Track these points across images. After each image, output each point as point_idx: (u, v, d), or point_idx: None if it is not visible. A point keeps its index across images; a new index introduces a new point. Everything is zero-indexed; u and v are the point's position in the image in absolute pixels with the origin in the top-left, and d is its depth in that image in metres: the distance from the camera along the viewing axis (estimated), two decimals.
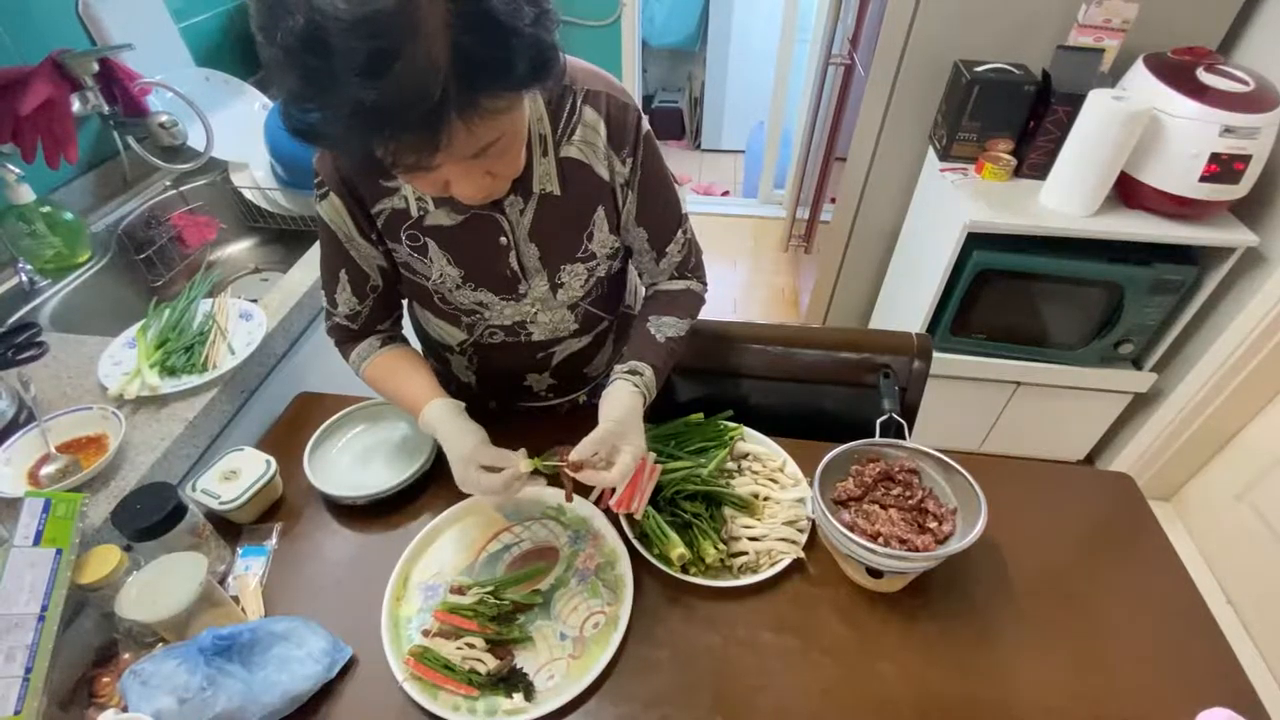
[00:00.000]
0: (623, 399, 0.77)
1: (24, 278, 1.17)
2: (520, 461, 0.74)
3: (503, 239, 0.78)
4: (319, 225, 0.80)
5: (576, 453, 0.72)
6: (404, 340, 0.93)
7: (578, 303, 0.88)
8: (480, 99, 0.52)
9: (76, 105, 1.21)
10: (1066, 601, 0.78)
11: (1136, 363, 1.74)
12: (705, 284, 0.95)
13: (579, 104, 0.74)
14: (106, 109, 1.26)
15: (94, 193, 1.37)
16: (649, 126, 0.79)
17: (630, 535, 0.82)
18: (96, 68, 1.22)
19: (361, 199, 0.76)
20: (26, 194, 1.15)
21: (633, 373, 0.80)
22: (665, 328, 0.87)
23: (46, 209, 1.18)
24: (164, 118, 1.28)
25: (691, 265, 0.92)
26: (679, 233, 0.88)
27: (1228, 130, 1.30)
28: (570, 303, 0.87)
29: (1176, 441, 1.75)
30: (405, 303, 0.95)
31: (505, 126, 0.58)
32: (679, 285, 0.92)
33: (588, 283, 0.86)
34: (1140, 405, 1.84)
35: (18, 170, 1.13)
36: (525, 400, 1.02)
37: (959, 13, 1.56)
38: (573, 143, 0.75)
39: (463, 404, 0.82)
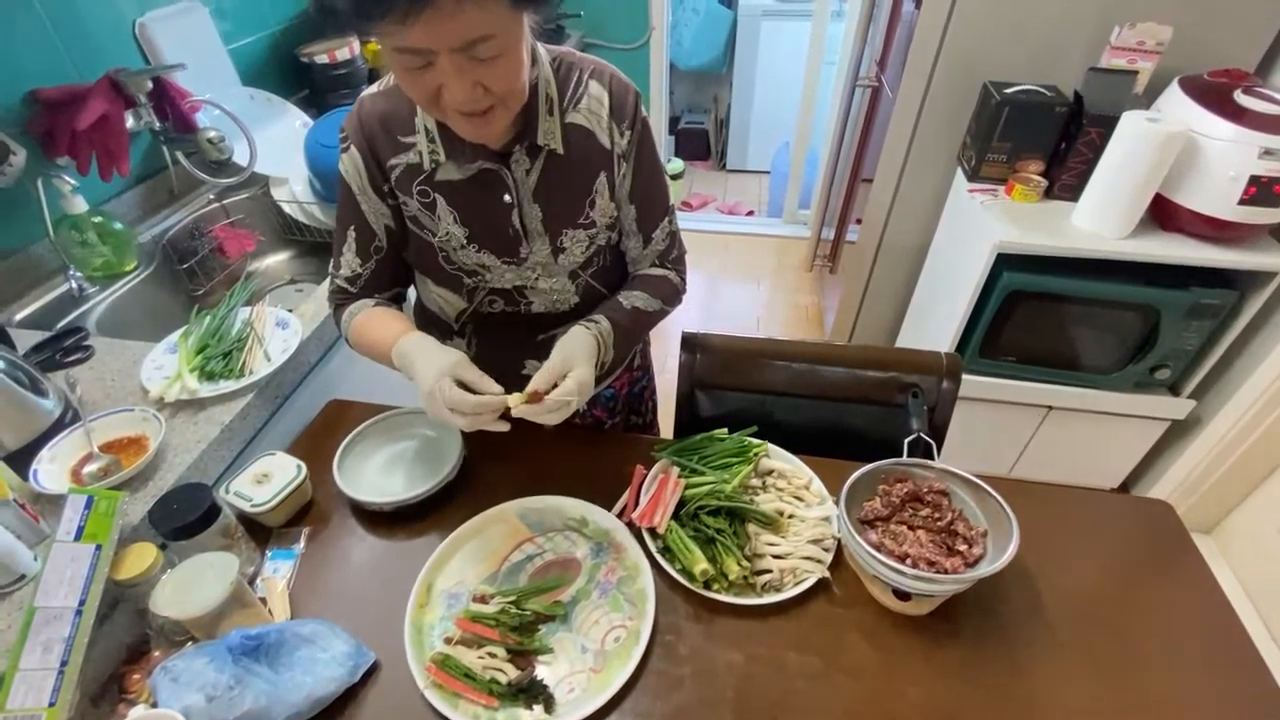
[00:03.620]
0: (575, 336, 0.82)
1: (74, 284, 1.22)
2: (510, 396, 0.75)
3: (507, 196, 0.81)
4: (337, 181, 0.85)
5: (533, 383, 0.76)
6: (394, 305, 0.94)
7: (578, 272, 0.90)
8: None
9: (130, 121, 1.27)
10: (1101, 631, 0.76)
11: (1173, 388, 1.69)
12: (684, 280, 0.99)
13: (585, 78, 0.81)
14: (158, 125, 1.32)
15: (142, 205, 1.42)
16: (646, 112, 0.85)
17: (653, 549, 0.81)
18: (150, 86, 1.28)
19: (379, 153, 0.81)
20: (80, 204, 1.20)
21: (591, 321, 0.85)
22: (634, 299, 0.91)
23: (98, 219, 1.23)
24: (212, 134, 1.33)
25: (673, 257, 0.96)
26: (665, 220, 0.93)
27: (1267, 153, 1.28)
28: (571, 269, 0.89)
29: (1216, 471, 1.69)
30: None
31: (494, 27, 0.61)
32: (658, 272, 0.96)
33: (588, 249, 0.89)
34: (1178, 433, 1.78)
35: (73, 181, 1.18)
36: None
37: (988, 34, 1.56)
38: (578, 110, 0.81)
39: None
